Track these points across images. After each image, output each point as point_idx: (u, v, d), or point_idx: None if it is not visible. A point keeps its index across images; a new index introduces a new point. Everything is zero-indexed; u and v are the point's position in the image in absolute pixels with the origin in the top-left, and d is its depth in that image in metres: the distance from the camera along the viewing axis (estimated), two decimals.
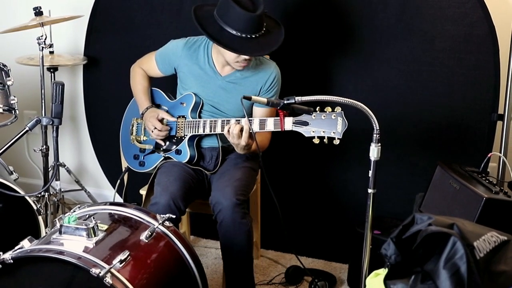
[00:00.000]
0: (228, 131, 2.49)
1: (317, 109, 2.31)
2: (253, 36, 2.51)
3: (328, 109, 2.31)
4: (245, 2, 2.50)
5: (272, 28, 2.61)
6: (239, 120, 2.51)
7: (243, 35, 2.50)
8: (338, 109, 2.30)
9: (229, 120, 2.55)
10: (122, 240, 2.07)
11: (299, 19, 3.11)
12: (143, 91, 2.87)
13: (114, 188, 3.58)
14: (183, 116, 2.74)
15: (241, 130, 2.46)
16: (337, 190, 3.24)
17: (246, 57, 2.56)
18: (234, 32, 2.50)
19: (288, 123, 2.39)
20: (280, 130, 2.42)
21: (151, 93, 2.91)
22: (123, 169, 3.00)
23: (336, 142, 2.29)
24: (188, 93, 2.75)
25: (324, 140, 2.31)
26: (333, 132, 2.30)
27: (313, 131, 2.33)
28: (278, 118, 2.41)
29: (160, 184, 2.59)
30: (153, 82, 2.94)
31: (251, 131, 2.45)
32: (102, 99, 3.56)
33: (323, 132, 2.31)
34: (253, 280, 2.68)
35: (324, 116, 2.31)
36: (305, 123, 2.34)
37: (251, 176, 2.73)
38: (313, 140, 2.33)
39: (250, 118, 2.50)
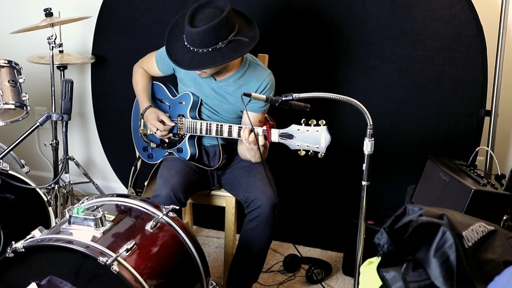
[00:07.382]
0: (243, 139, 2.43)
1: (302, 122, 2.25)
2: (200, 51, 2.40)
3: (313, 121, 2.24)
4: (198, 18, 2.41)
5: (232, 49, 2.43)
6: (234, 126, 2.49)
7: (191, 48, 2.42)
8: (322, 122, 2.23)
9: (222, 125, 2.52)
10: (128, 230, 2.07)
11: (296, 20, 3.09)
12: (142, 90, 2.82)
13: (120, 180, 3.60)
14: (183, 115, 2.71)
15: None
16: (333, 182, 3.23)
17: None
18: (185, 43, 2.45)
19: (275, 135, 2.32)
20: (266, 141, 2.37)
21: (153, 87, 2.86)
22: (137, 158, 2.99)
23: (321, 156, 2.25)
24: (186, 92, 2.70)
25: (310, 153, 2.27)
26: (317, 147, 2.24)
27: (297, 145, 2.27)
28: (266, 129, 2.35)
29: (162, 177, 2.58)
30: (160, 77, 2.91)
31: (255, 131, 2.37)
32: (109, 96, 3.55)
33: (307, 146, 2.26)
34: (258, 275, 2.68)
35: (308, 130, 2.24)
36: (291, 136, 2.28)
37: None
38: (299, 152, 2.28)
39: (239, 125, 2.47)
